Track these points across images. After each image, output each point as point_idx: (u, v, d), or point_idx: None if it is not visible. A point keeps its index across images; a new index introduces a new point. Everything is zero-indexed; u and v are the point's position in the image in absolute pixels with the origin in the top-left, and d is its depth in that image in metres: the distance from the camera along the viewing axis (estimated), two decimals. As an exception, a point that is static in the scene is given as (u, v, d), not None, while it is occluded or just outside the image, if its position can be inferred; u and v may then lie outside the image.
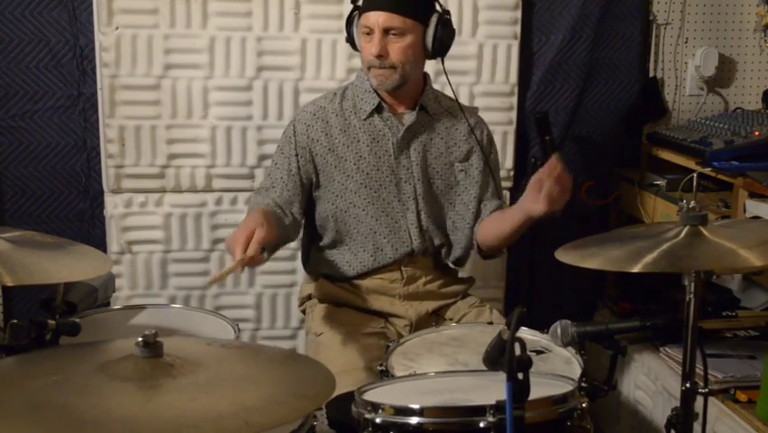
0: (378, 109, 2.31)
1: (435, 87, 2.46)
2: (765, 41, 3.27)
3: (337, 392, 1.59)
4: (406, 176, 2.32)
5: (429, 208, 2.34)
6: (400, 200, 2.32)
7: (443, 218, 2.38)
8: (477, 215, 2.37)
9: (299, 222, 2.34)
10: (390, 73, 2.23)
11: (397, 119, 2.32)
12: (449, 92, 2.42)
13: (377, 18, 2.19)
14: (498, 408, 1.50)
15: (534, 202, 2.08)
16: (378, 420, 1.60)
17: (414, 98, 2.33)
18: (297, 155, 2.32)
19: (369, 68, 2.24)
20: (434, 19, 2.24)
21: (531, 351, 1.52)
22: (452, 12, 2.89)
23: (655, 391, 2.69)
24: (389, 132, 2.31)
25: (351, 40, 2.30)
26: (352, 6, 2.28)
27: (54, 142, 2.89)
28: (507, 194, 3.12)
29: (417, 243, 2.32)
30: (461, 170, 2.38)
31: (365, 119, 2.31)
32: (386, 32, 2.19)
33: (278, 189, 2.31)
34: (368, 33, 2.22)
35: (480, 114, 2.85)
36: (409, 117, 2.31)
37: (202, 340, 1.65)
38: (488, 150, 2.42)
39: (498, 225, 2.29)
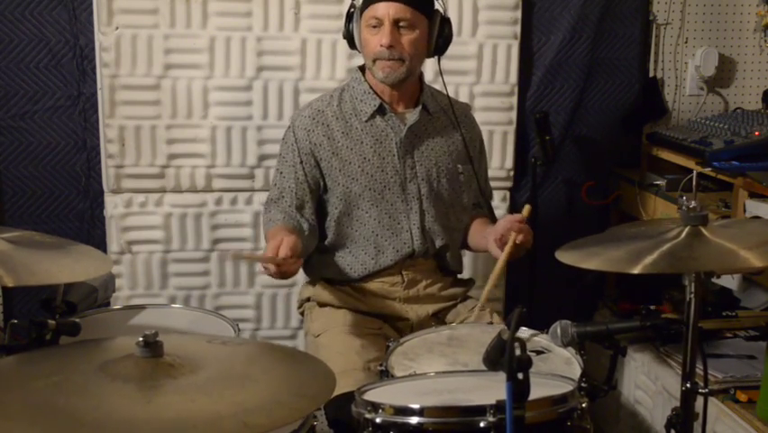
0: (379, 110, 2.30)
1: (434, 86, 2.47)
2: (765, 41, 3.27)
3: (337, 393, 1.59)
4: (410, 176, 2.31)
5: (433, 208, 2.33)
6: (404, 200, 2.31)
7: (447, 218, 2.37)
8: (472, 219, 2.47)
9: (315, 227, 2.33)
10: (398, 65, 2.22)
11: (398, 119, 2.31)
12: (448, 92, 2.41)
13: (387, 9, 2.18)
14: (499, 408, 1.50)
15: (495, 248, 2.18)
16: (378, 420, 1.60)
17: (413, 97, 2.33)
18: (301, 162, 2.30)
19: (374, 60, 2.23)
20: (437, 16, 2.26)
21: (531, 351, 1.52)
22: (452, 12, 2.93)
23: (655, 391, 2.69)
24: (392, 132, 2.30)
25: (350, 36, 2.29)
26: (350, 3, 2.27)
27: (54, 142, 2.89)
28: (506, 194, 3.12)
29: (418, 243, 2.31)
30: (461, 172, 2.38)
31: (366, 121, 2.31)
32: (395, 23, 2.19)
33: (287, 199, 2.30)
34: (375, 26, 2.21)
35: (480, 114, 2.86)
36: (412, 116, 2.31)
37: (203, 337, 1.64)
38: (477, 152, 2.45)
39: (473, 239, 2.45)
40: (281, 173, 2.34)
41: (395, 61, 2.21)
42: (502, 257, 2.11)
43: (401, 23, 2.19)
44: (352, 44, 2.31)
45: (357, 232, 2.32)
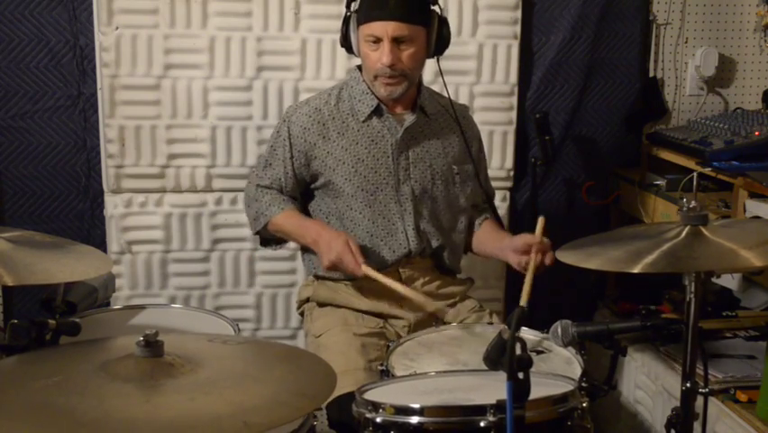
0: (376, 111, 2.30)
1: (434, 87, 2.47)
2: (765, 41, 3.27)
3: (338, 393, 1.59)
4: (404, 177, 2.31)
5: (427, 210, 2.33)
6: (398, 202, 2.31)
7: (440, 219, 2.37)
8: (472, 220, 2.45)
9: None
10: (400, 81, 2.22)
11: (395, 120, 2.31)
12: (445, 91, 2.41)
13: (385, 28, 2.16)
14: (499, 407, 1.50)
15: (515, 262, 2.21)
16: (378, 420, 1.60)
17: (411, 98, 2.33)
18: (292, 157, 2.31)
19: (375, 76, 2.22)
20: (435, 20, 2.24)
21: (531, 351, 1.52)
22: (452, 12, 2.93)
23: (655, 391, 2.69)
24: (388, 133, 2.30)
25: (347, 43, 2.27)
26: (346, 9, 2.24)
27: (54, 142, 2.89)
28: (506, 194, 3.12)
29: (414, 244, 2.30)
30: (457, 173, 2.38)
31: (363, 121, 2.30)
32: (394, 40, 2.17)
33: (275, 190, 2.34)
34: (374, 42, 2.19)
35: (480, 114, 2.86)
36: (409, 118, 2.30)
37: (203, 336, 1.64)
38: (476, 152, 2.44)
39: (485, 248, 2.45)
40: (270, 164, 2.35)
41: (396, 78, 2.21)
42: (528, 281, 2.11)
43: (401, 40, 2.18)
44: (350, 51, 2.29)
45: (352, 232, 2.30)
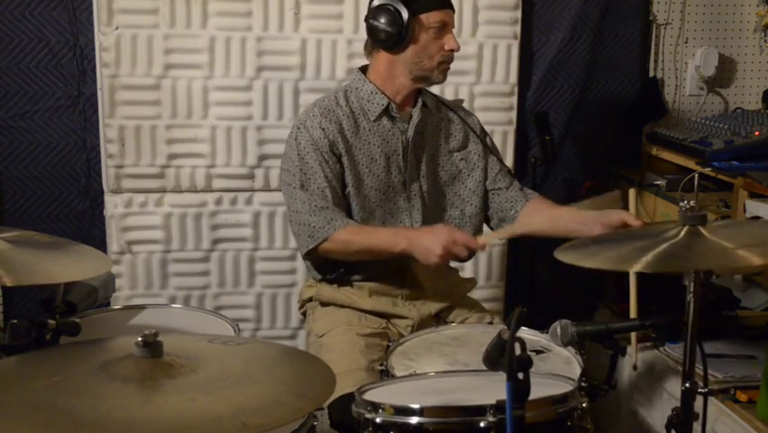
0: (386, 110, 2.29)
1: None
2: (765, 41, 3.27)
3: (340, 393, 1.59)
4: (413, 174, 2.32)
5: (435, 204, 2.34)
6: (407, 199, 2.32)
7: (450, 214, 2.37)
8: (485, 198, 2.41)
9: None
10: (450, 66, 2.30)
11: (403, 118, 2.31)
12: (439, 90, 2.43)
13: (451, 15, 2.26)
14: (499, 407, 1.50)
15: (600, 229, 2.13)
16: (378, 420, 1.61)
17: (415, 95, 2.34)
18: (326, 161, 2.23)
19: (439, 63, 2.26)
20: None
21: (531, 351, 1.52)
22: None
23: (655, 391, 2.69)
24: (398, 131, 2.31)
25: (403, 32, 2.20)
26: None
27: (54, 142, 2.89)
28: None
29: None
30: (462, 159, 2.39)
31: (374, 121, 2.30)
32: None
33: (332, 199, 2.23)
34: (439, 29, 2.23)
35: (480, 114, 2.85)
36: (416, 115, 2.31)
37: (203, 337, 1.64)
38: (482, 134, 2.45)
39: (560, 225, 2.28)
40: (309, 179, 2.23)
41: (450, 63, 2.28)
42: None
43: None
44: (395, 43, 2.23)
45: None
